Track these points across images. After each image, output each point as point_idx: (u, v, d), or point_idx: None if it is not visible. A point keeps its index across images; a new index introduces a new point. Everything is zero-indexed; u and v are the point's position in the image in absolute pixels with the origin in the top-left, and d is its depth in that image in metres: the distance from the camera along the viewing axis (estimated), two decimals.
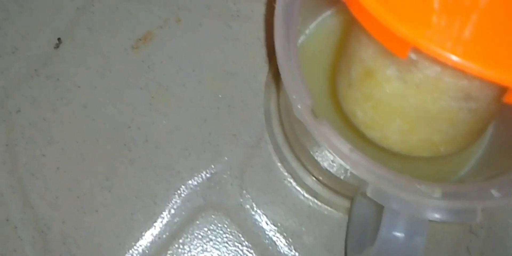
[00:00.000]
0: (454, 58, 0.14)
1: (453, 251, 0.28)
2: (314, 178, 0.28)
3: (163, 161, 0.29)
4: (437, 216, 0.18)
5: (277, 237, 0.28)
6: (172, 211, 0.28)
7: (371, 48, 0.18)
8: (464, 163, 0.25)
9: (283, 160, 0.28)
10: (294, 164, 0.28)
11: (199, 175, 0.29)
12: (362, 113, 0.20)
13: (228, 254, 0.27)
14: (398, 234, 0.19)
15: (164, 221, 0.28)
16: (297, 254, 0.27)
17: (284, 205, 0.28)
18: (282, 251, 0.28)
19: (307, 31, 0.27)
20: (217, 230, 0.28)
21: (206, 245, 0.27)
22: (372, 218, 0.23)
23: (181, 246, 0.27)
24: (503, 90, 0.15)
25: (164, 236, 0.28)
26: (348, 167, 0.19)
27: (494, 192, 0.19)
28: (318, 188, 0.28)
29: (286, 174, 0.28)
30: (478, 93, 0.17)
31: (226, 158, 0.29)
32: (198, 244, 0.28)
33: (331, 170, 0.24)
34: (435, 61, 0.15)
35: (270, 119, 0.29)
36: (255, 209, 0.28)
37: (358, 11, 0.15)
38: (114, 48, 0.31)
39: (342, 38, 0.26)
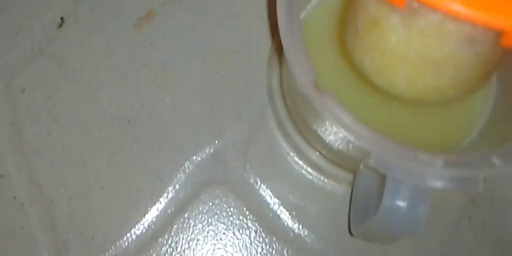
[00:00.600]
0: (447, 3, 0.15)
1: (455, 221, 0.28)
2: (317, 153, 0.28)
3: (167, 137, 0.29)
4: (439, 184, 0.19)
5: (281, 210, 0.28)
6: (177, 186, 0.28)
7: None
8: (468, 129, 0.25)
9: (286, 135, 0.28)
10: (297, 138, 0.28)
11: (203, 151, 0.29)
12: (370, 62, 0.20)
13: (233, 227, 0.28)
14: (400, 203, 0.19)
15: (169, 197, 0.28)
16: (300, 226, 0.28)
17: (288, 180, 0.28)
18: (285, 224, 0.28)
19: (308, 6, 0.27)
20: (222, 204, 0.28)
21: (211, 219, 0.28)
22: (375, 190, 0.23)
23: (186, 220, 0.28)
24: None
25: (169, 211, 0.28)
26: (351, 138, 0.19)
27: (496, 160, 0.19)
28: (321, 162, 0.28)
29: (289, 148, 0.28)
30: (482, 36, 0.18)
31: (229, 134, 0.29)
32: (203, 218, 0.28)
33: (334, 144, 0.24)
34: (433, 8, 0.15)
35: (272, 94, 0.29)
36: (259, 183, 0.28)
37: None
38: (117, 27, 0.31)
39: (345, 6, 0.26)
